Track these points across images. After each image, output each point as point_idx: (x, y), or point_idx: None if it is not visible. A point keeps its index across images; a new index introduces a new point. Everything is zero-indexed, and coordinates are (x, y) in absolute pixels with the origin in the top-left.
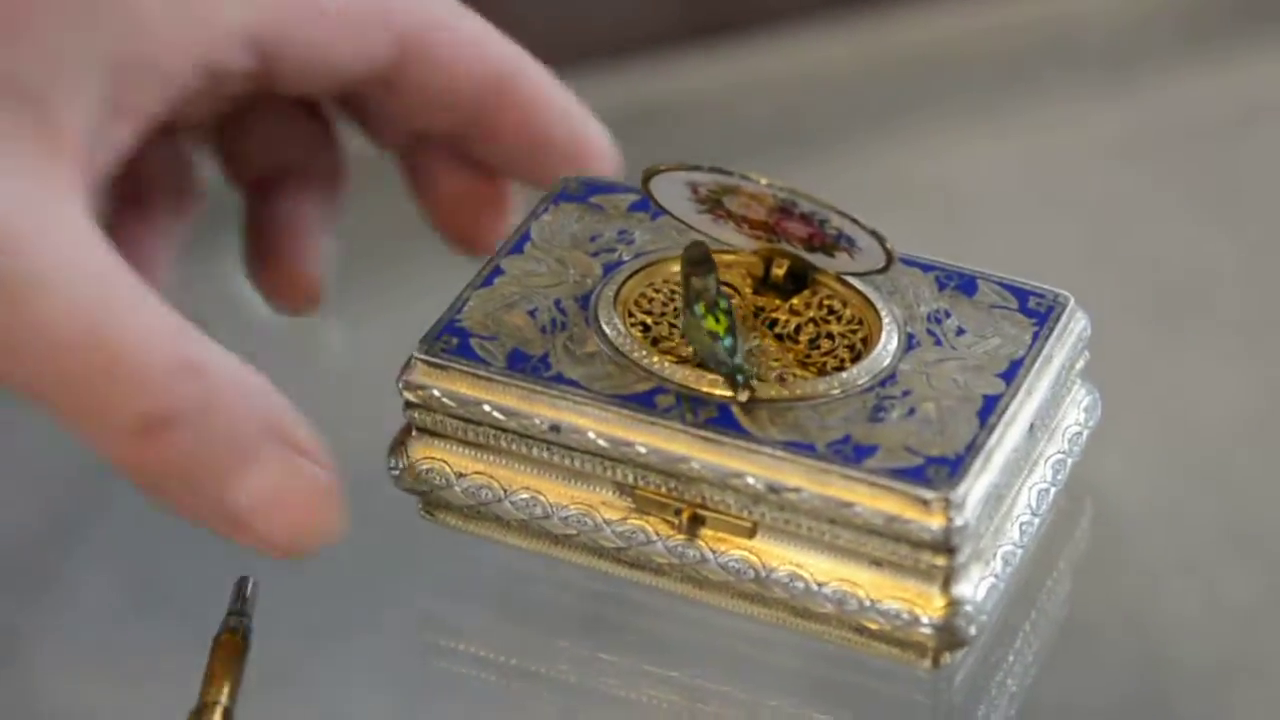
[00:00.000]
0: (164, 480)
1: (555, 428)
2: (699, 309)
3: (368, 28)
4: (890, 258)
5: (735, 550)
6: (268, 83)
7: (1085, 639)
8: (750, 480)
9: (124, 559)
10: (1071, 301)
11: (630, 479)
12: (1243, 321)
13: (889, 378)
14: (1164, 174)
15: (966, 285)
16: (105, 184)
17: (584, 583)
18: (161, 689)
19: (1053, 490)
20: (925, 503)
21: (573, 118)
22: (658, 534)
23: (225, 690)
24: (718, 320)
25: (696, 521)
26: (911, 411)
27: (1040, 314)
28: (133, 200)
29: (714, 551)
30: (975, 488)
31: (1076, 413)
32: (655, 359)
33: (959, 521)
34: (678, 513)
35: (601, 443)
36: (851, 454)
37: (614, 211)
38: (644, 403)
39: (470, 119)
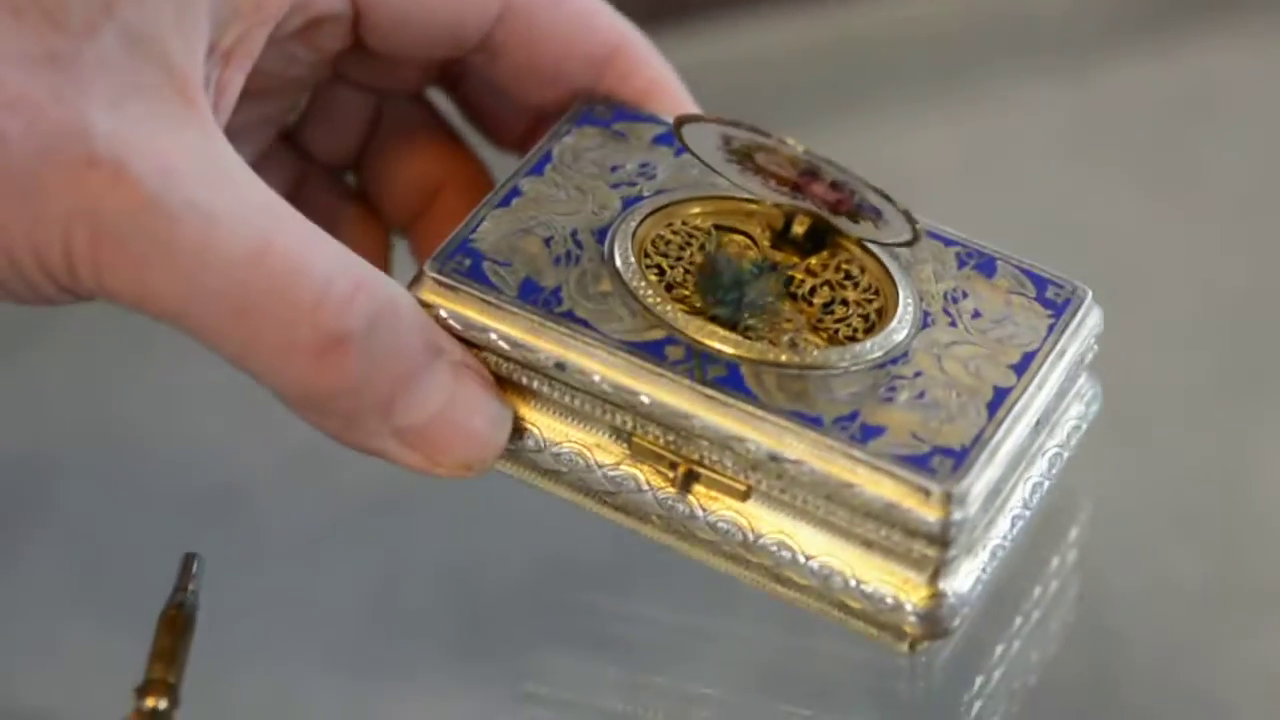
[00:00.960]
0: (335, 403)
1: (561, 365)
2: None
3: None
4: (916, 235)
5: (726, 511)
6: (365, 37)
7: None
8: (751, 446)
9: (66, 545)
10: (1090, 296)
11: (629, 425)
12: (1192, 307)
13: (901, 355)
14: (1113, 159)
15: (986, 265)
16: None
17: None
18: (109, 667)
19: (1046, 484)
20: (927, 494)
21: (680, 100)
22: (649, 484)
23: (171, 667)
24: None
25: (691, 478)
26: (921, 395)
27: (1058, 306)
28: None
29: (704, 509)
30: (978, 483)
31: (1079, 406)
32: (669, 308)
33: (958, 516)
34: (673, 466)
35: (606, 387)
36: (858, 433)
37: (637, 142)
38: (653, 352)
39: (576, 95)
